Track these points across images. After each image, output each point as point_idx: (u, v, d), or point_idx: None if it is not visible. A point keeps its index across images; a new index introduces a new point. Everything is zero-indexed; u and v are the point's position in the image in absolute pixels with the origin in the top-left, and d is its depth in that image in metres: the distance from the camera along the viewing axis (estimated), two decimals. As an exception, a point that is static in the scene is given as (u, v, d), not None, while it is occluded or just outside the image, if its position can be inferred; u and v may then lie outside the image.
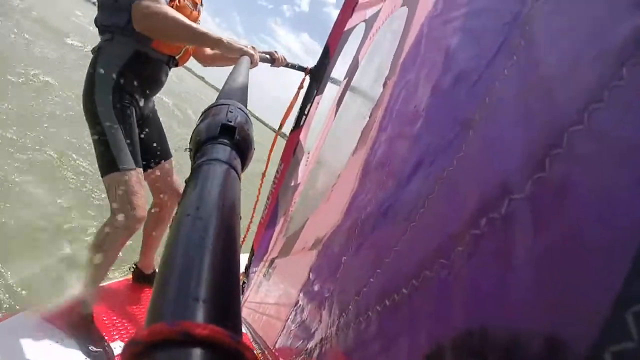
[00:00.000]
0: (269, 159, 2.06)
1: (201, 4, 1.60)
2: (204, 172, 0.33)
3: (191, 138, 0.45)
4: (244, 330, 1.49)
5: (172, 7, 1.38)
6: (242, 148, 0.42)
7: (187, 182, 0.32)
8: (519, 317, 0.23)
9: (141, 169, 1.51)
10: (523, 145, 0.31)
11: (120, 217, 1.43)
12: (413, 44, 0.89)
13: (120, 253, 1.54)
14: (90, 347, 1.44)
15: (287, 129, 2.06)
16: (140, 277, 1.97)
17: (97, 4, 1.47)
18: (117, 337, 1.58)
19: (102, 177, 1.45)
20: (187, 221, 0.24)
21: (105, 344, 1.49)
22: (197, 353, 0.14)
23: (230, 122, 0.43)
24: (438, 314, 0.31)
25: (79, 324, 1.47)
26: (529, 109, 0.35)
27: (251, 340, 1.33)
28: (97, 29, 1.50)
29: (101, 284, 1.76)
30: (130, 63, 1.46)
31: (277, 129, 2.17)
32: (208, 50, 1.83)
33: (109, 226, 1.46)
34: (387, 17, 1.29)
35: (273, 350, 1.02)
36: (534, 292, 0.23)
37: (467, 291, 0.28)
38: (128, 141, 1.45)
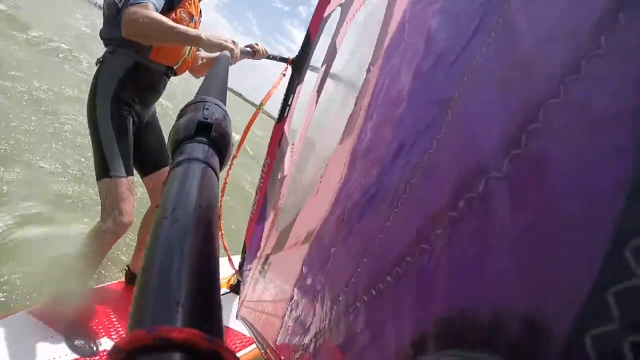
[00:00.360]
0: (245, 133, 2.05)
1: (199, 16, 1.67)
2: (181, 172, 0.32)
3: (169, 137, 0.44)
4: (245, 329, 1.49)
5: (170, 18, 1.45)
6: (220, 145, 0.41)
7: (164, 183, 0.31)
8: (499, 298, 0.22)
9: (132, 177, 1.58)
10: (499, 123, 0.30)
11: (109, 221, 1.52)
12: (396, 29, 0.87)
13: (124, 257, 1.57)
14: (79, 344, 1.51)
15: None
16: (132, 279, 2.03)
17: (103, 18, 1.59)
18: (104, 334, 1.63)
19: (96, 181, 1.55)
20: (165, 224, 0.23)
21: (93, 340, 1.57)
22: (175, 357, 0.15)
23: (207, 119, 0.42)
24: (420, 301, 0.30)
25: (68, 322, 1.55)
26: (506, 86, 0.34)
27: (254, 339, 1.33)
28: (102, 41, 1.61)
29: (96, 286, 1.90)
30: (129, 74, 1.55)
31: (258, 107, 2.16)
32: (199, 62, 1.89)
33: (97, 229, 1.55)
34: (364, 1, 1.27)
35: (274, 348, 1.02)
36: (513, 272, 0.22)
37: (447, 275, 0.27)
38: (122, 150, 1.53)
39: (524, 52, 0.34)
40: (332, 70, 1.47)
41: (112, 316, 1.76)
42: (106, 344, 1.59)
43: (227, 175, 1.99)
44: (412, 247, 0.33)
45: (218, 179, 0.36)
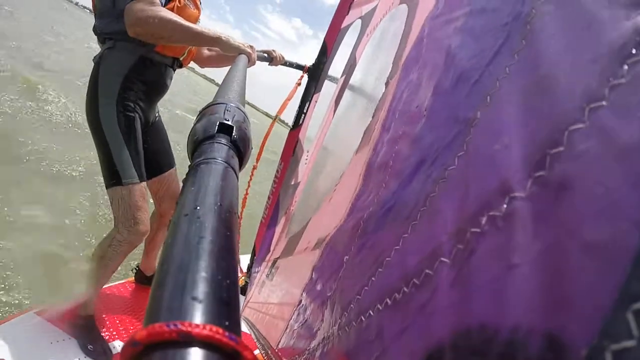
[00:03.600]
0: (262, 145, 2.04)
1: (199, 1, 1.56)
2: (201, 171, 0.32)
3: (188, 138, 0.45)
4: (247, 330, 1.50)
5: (172, 8, 1.35)
6: (240, 147, 0.42)
7: (185, 181, 0.32)
8: (519, 316, 0.23)
9: (145, 182, 1.48)
10: (524, 144, 0.31)
11: (123, 231, 1.43)
12: (415, 44, 0.89)
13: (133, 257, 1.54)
14: (90, 346, 1.47)
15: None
16: (142, 279, 2.03)
17: (95, 12, 1.43)
18: (116, 336, 1.61)
19: (106, 188, 1.43)
20: (185, 221, 0.23)
21: (106, 343, 1.53)
22: (195, 353, 0.14)
23: (228, 120, 0.43)
24: (439, 313, 0.31)
25: (80, 325, 1.51)
26: (530, 108, 0.35)
27: (255, 340, 1.33)
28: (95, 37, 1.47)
29: (105, 285, 1.82)
30: (135, 69, 1.43)
31: (274, 118, 2.17)
32: (205, 52, 1.82)
33: (112, 239, 1.46)
34: (384, 15, 1.29)
35: (276, 350, 1.02)
36: (534, 291, 0.23)
37: (468, 290, 0.28)
38: (132, 154, 1.42)
39: (548, 75, 0.35)
40: (351, 82, 1.49)
41: (124, 317, 1.76)
42: (119, 347, 1.57)
43: (248, 186, 1.97)
44: (431, 260, 0.34)
45: (238, 179, 0.36)
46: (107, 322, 1.67)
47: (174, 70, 1.62)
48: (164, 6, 1.32)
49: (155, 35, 1.26)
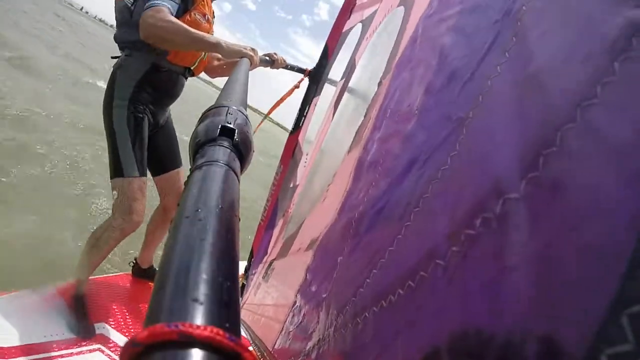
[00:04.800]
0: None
1: (212, 16, 1.69)
2: (203, 174, 0.33)
3: (190, 140, 0.45)
4: (243, 332, 1.49)
5: (184, 21, 1.46)
6: (242, 150, 0.42)
7: (186, 184, 0.32)
8: (514, 318, 0.23)
9: (145, 178, 1.62)
10: (517, 144, 0.31)
11: (119, 218, 1.58)
12: (408, 43, 0.88)
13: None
14: (76, 324, 1.58)
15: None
16: (139, 272, 2.12)
17: (116, 23, 1.63)
18: (103, 320, 1.70)
19: (110, 179, 1.60)
20: (186, 223, 0.24)
21: (91, 324, 1.64)
22: (196, 354, 0.14)
23: (230, 123, 0.43)
24: (434, 315, 0.31)
25: (69, 304, 1.63)
26: (522, 107, 0.34)
27: (250, 342, 1.33)
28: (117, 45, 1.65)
29: (103, 276, 2.02)
30: (147, 76, 1.59)
31: (264, 117, 2.16)
32: (215, 62, 1.91)
33: (107, 225, 1.61)
34: (383, 18, 1.29)
35: (272, 352, 1.02)
36: (528, 292, 0.22)
37: (463, 292, 0.28)
38: (136, 151, 1.58)
39: (539, 74, 0.35)
40: (349, 85, 1.49)
41: (115, 305, 1.83)
42: (104, 329, 1.65)
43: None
44: (426, 262, 0.34)
45: (239, 182, 0.36)
46: (98, 308, 1.75)
47: (186, 79, 1.75)
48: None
49: (161, 38, 1.39)
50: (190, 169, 0.36)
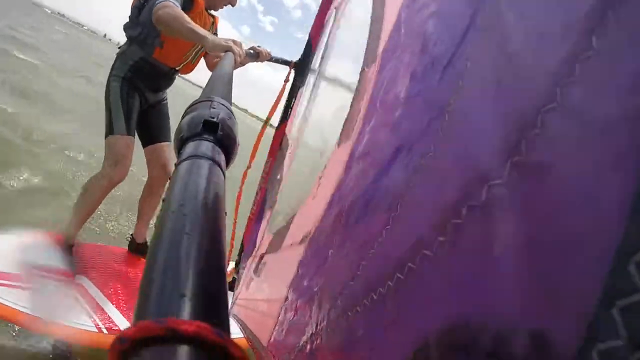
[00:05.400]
0: (254, 150, 2.10)
1: (211, 29, 1.99)
2: (187, 168, 0.32)
3: (174, 135, 0.45)
4: (237, 327, 1.49)
5: None
6: (226, 144, 0.42)
7: (171, 179, 0.32)
8: (502, 310, 0.22)
9: (132, 137, 1.93)
10: (498, 128, 0.30)
11: (107, 167, 1.86)
12: (392, 31, 0.87)
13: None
14: (66, 259, 1.80)
15: (274, 121, 2.12)
16: (134, 247, 2.31)
17: (129, 17, 1.98)
18: (84, 274, 1.83)
19: (104, 139, 1.90)
20: (171, 218, 0.24)
21: (73, 273, 1.80)
22: (183, 350, 0.15)
23: (213, 117, 0.43)
24: (423, 308, 0.30)
25: (62, 249, 1.85)
26: (502, 90, 0.34)
27: (245, 337, 1.33)
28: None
29: (99, 244, 2.24)
30: (135, 65, 1.95)
31: (265, 120, 2.20)
32: (215, 59, 2.11)
33: (96, 175, 1.90)
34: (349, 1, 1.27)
35: (266, 347, 1.02)
36: (516, 284, 0.22)
37: (450, 284, 0.28)
38: (125, 114, 1.90)
39: (517, 53, 0.34)
40: (326, 73, 1.48)
41: (101, 267, 1.96)
42: (83, 281, 1.77)
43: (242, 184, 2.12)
44: (413, 253, 0.34)
45: (225, 176, 0.36)
46: (82, 264, 1.89)
47: (173, 75, 2.06)
48: None
49: (163, 23, 1.63)
50: (174, 164, 0.36)
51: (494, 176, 0.27)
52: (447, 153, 0.37)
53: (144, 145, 2.16)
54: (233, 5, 2.02)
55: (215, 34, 2.05)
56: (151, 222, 2.35)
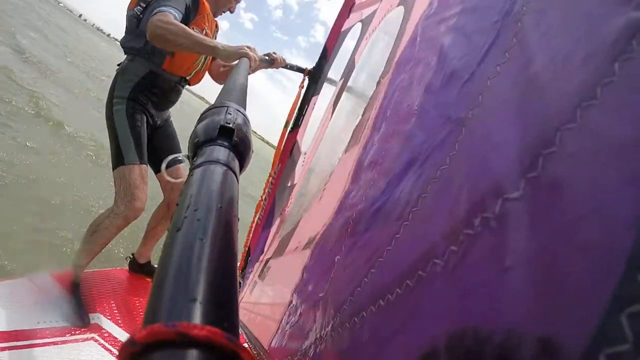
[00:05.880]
0: (276, 157, 2.08)
1: (213, 31, 1.81)
2: (202, 173, 0.32)
3: (189, 140, 0.44)
4: (239, 330, 1.49)
5: None
6: (241, 149, 0.42)
7: (185, 183, 0.32)
8: (512, 317, 0.23)
9: (145, 166, 1.71)
10: (516, 144, 0.31)
11: (121, 205, 1.64)
12: (408, 43, 0.88)
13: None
14: (71, 312, 1.61)
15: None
16: (135, 267, 2.14)
17: (125, 29, 1.77)
18: (98, 310, 1.72)
19: (112, 170, 1.68)
20: (185, 223, 0.23)
21: (86, 312, 1.66)
22: (193, 354, 0.14)
23: (229, 123, 0.43)
24: (432, 315, 0.31)
25: (66, 291, 1.67)
26: (522, 107, 0.34)
27: (247, 340, 1.33)
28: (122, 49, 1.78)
29: (100, 269, 2.02)
30: (144, 80, 1.72)
31: (285, 124, 2.19)
32: (221, 68, 1.99)
33: (108, 212, 1.66)
34: (383, 17, 1.29)
35: (268, 351, 1.02)
36: (527, 292, 0.22)
37: (461, 291, 0.28)
38: (135, 140, 1.68)
39: (540, 74, 0.35)
40: (348, 84, 1.49)
41: (110, 297, 1.84)
42: (98, 319, 1.65)
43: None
44: (424, 261, 0.34)
45: (238, 182, 0.36)
46: (94, 300, 1.76)
47: (182, 87, 1.86)
48: None
49: (164, 38, 1.46)
50: (189, 169, 0.36)
51: (509, 190, 0.28)
52: (462, 166, 0.37)
53: (157, 172, 1.88)
54: (232, 12, 1.89)
55: (215, 39, 1.88)
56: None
